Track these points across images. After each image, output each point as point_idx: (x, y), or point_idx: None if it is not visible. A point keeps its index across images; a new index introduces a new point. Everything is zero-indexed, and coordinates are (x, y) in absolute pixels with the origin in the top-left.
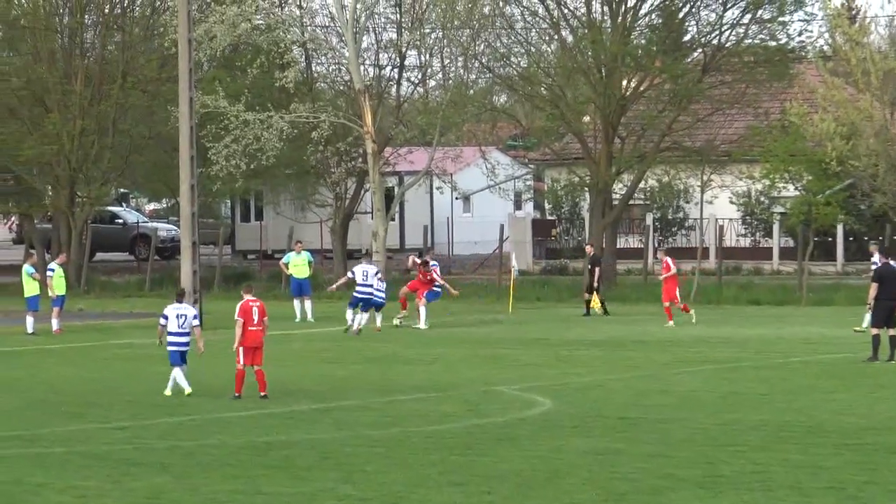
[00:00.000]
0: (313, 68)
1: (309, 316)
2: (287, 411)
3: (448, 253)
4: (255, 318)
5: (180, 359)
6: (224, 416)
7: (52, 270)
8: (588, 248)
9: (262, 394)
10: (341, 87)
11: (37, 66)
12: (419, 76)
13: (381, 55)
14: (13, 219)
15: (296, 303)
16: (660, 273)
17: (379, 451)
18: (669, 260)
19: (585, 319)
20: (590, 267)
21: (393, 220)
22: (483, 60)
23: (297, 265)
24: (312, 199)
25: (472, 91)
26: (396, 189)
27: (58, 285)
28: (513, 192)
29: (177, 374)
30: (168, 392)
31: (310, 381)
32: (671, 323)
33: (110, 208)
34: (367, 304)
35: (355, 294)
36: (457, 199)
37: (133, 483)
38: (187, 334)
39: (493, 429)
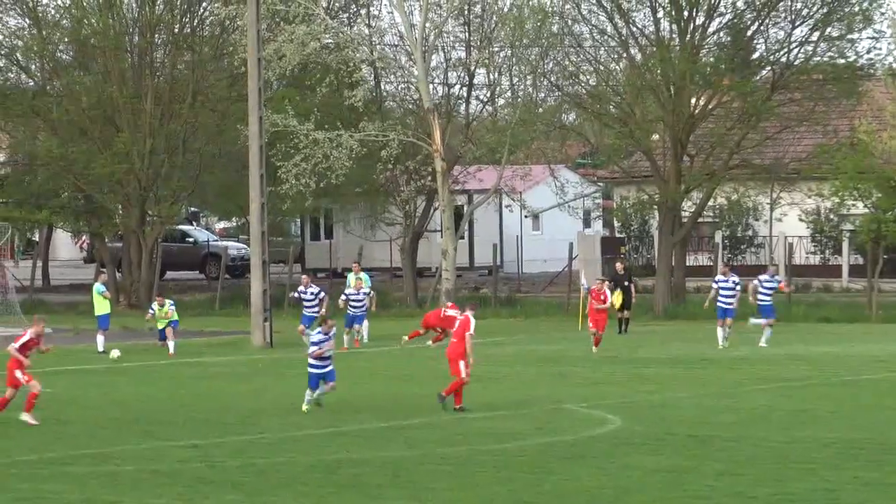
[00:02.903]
0: (382, 87)
1: (365, 338)
2: (357, 429)
3: (517, 271)
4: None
5: (317, 383)
6: (294, 434)
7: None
8: (619, 266)
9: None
10: (410, 106)
11: (107, 86)
12: (488, 94)
13: (450, 74)
14: (84, 238)
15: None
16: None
17: (448, 470)
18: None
19: (624, 337)
20: (626, 284)
21: (462, 238)
22: (552, 78)
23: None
24: (382, 217)
25: (540, 109)
26: (466, 207)
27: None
28: (582, 210)
29: (308, 393)
30: (305, 407)
31: (380, 399)
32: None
33: (181, 227)
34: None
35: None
36: (526, 217)
37: (204, 501)
38: (328, 359)
39: (562, 447)
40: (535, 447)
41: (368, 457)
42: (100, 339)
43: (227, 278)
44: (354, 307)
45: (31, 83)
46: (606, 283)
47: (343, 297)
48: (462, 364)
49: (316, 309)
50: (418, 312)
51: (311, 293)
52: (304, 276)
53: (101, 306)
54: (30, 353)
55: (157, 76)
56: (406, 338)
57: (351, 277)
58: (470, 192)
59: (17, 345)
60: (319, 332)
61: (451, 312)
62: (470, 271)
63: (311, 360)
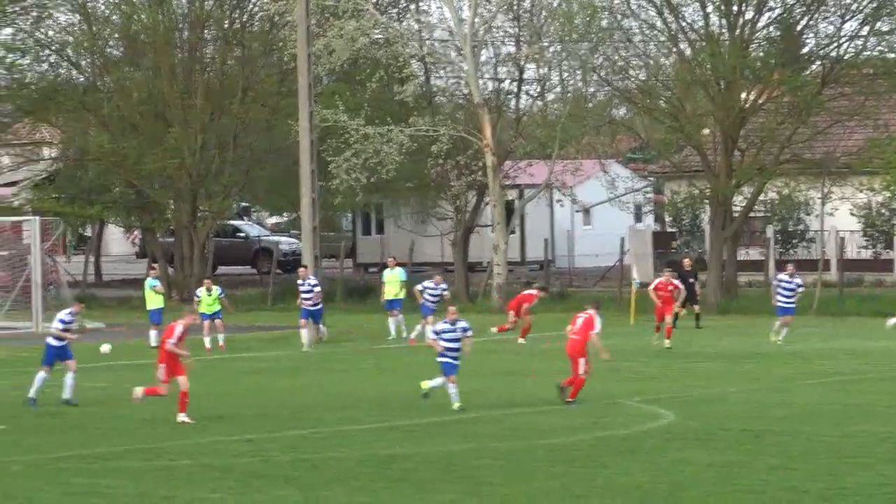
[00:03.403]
0: (432, 82)
1: (404, 332)
2: (411, 424)
3: (569, 266)
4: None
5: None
6: (348, 428)
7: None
8: (686, 262)
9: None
10: (460, 101)
11: (157, 81)
12: (538, 89)
13: (499, 69)
14: (136, 233)
15: (390, 320)
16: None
17: (502, 464)
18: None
19: (700, 331)
20: (692, 280)
21: (513, 233)
22: (601, 73)
23: (390, 282)
24: (433, 212)
25: (590, 104)
26: (517, 202)
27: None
28: (633, 204)
29: (439, 383)
30: (456, 405)
31: (435, 394)
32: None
33: (232, 222)
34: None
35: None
36: (577, 211)
37: (257, 496)
38: (457, 350)
39: (615, 441)
40: (588, 442)
41: (422, 451)
42: (152, 333)
43: (278, 273)
44: (431, 300)
45: (82, 79)
46: (673, 274)
47: (420, 287)
48: (582, 361)
49: (312, 302)
50: (469, 307)
51: (309, 285)
52: (301, 269)
53: (154, 301)
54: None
55: (208, 72)
56: (495, 329)
57: (386, 273)
58: (521, 187)
59: (173, 339)
60: (445, 322)
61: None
62: (521, 266)
63: (441, 353)
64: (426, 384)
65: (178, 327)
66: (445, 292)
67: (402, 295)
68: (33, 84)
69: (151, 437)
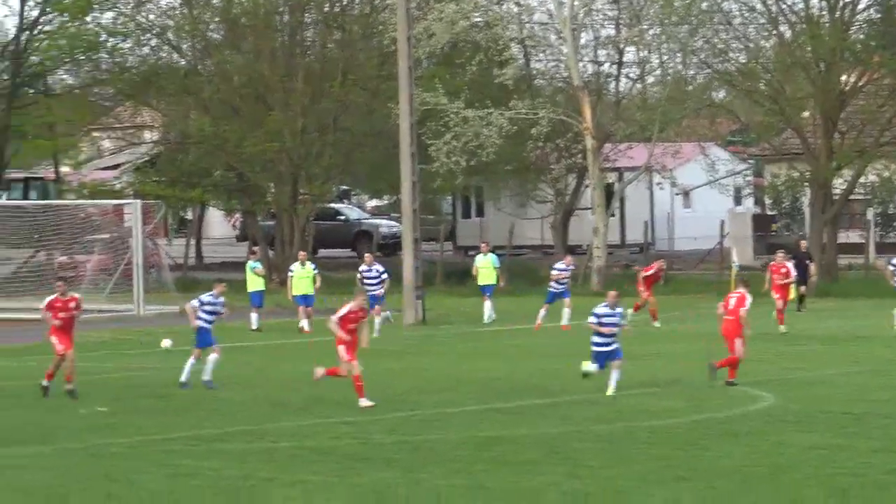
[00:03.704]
0: (532, 65)
1: (485, 317)
2: (512, 406)
3: (668, 248)
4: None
5: (604, 362)
6: (448, 411)
7: (292, 270)
8: (803, 244)
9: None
10: (560, 84)
11: (258, 65)
12: (638, 72)
13: (599, 52)
14: (236, 216)
15: (485, 304)
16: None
17: (603, 446)
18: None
19: (802, 314)
20: (807, 262)
21: (613, 215)
22: (701, 56)
23: (483, 267)
24: (532, 195)
25: (690, 87)
26: (616, 185)
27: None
28: (733, 187)
29: (594, 368)
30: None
31: (536, 377)
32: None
33: (332, 205)
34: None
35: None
36: (677, 194)
37: (358, 478)
38: (613, 336)
39: (715, 424)
40: (688, 424)
41: (522, 433)
42: (253, 316)
43: (378, 256)
44: (561, 284)
45: (183, 62)
46: (787, 256)
47: (554, 271)
48: (738, 342)
49: (378, 289)
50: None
51: (376, 271)
52: (367, 255)
53: (255, 283)
54: (353, 327)
55: (308, 55)
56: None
57: (479, 258)
58: (620, 170)
59: (335, 318)
60: (605, 305)
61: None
62: (621, 248)
63: (594, 338)
64: (586, 365)
65: (344, 308)
66: (386, 276)
67: (494, 280)
68: (135, 68)
69: (253, 419)
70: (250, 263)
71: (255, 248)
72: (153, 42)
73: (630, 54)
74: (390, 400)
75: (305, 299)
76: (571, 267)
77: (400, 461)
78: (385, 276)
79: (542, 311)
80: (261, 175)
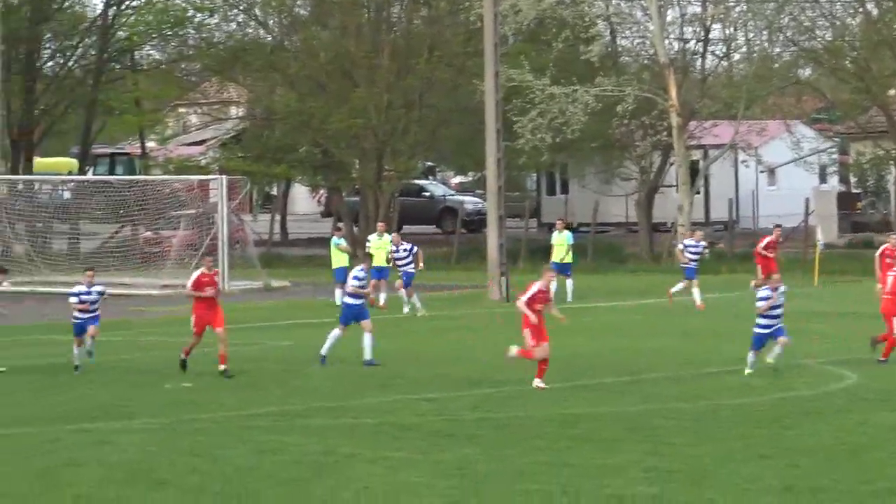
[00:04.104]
0: (618, 42)
1: (569, 296)
2: (594, 383)
3: (753, 226)
4: None
5: (761, 343)
6: (530, 388)
7: (370, 242)
8: None
9: None
10: (646, 61)
11: (344, 41)
12: (724, 50)
13: (685, 29)
14: (321, 192)
15: (567, 282)
16: None
17: (686, 424)
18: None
19: None
20: None
21: (698, 193)
22: (787, 34)
23: (558, 244)
24: (617, 172)
25: (776, 64)
26: (701, 162)
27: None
28: (818, 165)
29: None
30: (748, 371)
31: (620, 354)
32: None
33: (417, 181)
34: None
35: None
36: (761, 172)
37: (441, 454)
38: (777, 318)
39: (799, 402)
40: (772, 402)
41: (605, 411)
42: (338, 292)
43: (463, 232)
44: (693, 257)
45: (270, 38)
46: None
47: (681, 245)
48: None
49: (411, 265)
50: (653, 268)
51: (404, 250)
52: (394, 235)
53: (339, 260)
54: (540, 308)
55: (394, 31)
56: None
57: (554, 236)
58: (705, 147)
59: (524, 298)
60: (766, 288)
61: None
62: (705, 226)
63: (758, 319)
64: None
65: (534, 287)
66: (706, 250)
67: (568, 259)
68: (221, 43)
69: (336, 396)
70: (335, 240)
71: (340, 225)
72: (240, 18)
73: (716, 31)
74: (474, 376)
75: (380, 272)
76: (702, 244)
77: (483, 438)
78: (416, 250)
79: (680, 285)
80: (346, 151)
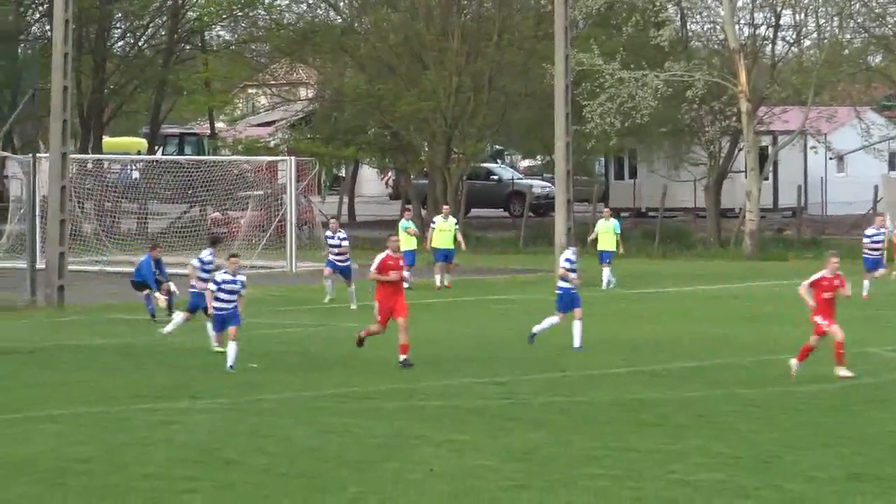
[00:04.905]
0: (688, 27)
1: (604, 283)
2: (660, 369)
3: (821, 213)
4: None
5: None
6: (596, 373)
7: (434, 223)
8: None
9: None
10: (716, 46)
11: (414, 23)
12: (794, 35)
13: (756, 14)
14: (390, 174)
15: (604, 270)
16: None
17: (751, 411)
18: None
19: None
20: None
21: (766, 179)
22: (858, 20)
23: (603, 232)
24: (686, 157)
25: (846, 51)
26: (770, 148)
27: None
28: (887, 152)
29: None
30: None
31: (684, 340)
32: None
33: (485, 165)
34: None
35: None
36: (831, 158)
37: (508, 438)
38: None
39: (865, 390)
40: (837, 390)
41: (671, 396)
42: (405, 275)
43: (530, 216)
44: (873, 249)
45: (340, 20)
46: None
47: (866, 238)
48: None
49: (342, 257)
50: (721, 254)
51: (339, 238)
52: (332, 221)
53: (407, 242)
54: (832, 296)
55: (464, 14)
56: None
57: (600, 223)
58: (775, 133)
59: (807, 283)
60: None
61: None
62: (773, 212)
63: None
64: None
65: (817, 275)
66: (347, 243)
67: (613, 246)
68: (291, 25)
69: (403, 378)
70: (403, 222)
71: (408, 207)
72: (310, 0)
73: (787, 17)
74: (540, 361)
75: (446, 255)
76: (884, 230)
77: (549, 422)
78: (346, 243)
79: (866, 283)
80: (415, 134)
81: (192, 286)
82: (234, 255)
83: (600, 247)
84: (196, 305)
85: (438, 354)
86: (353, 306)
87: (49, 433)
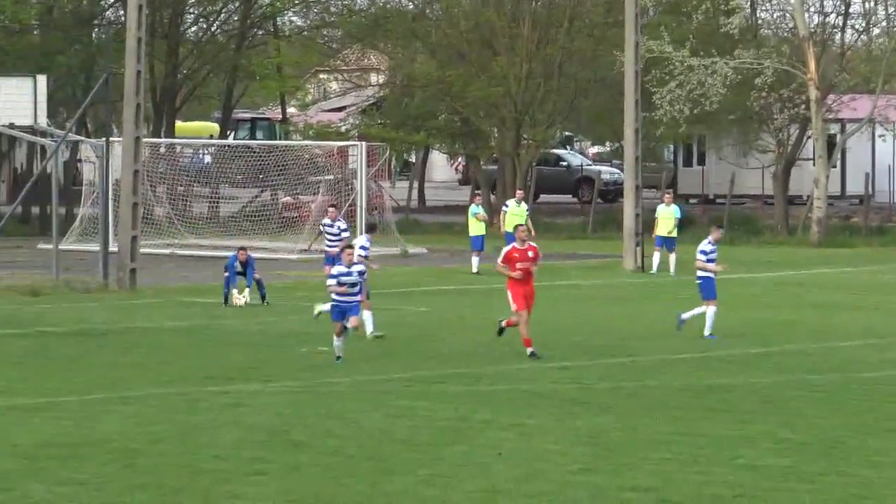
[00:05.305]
0: (758, 14)
1: (672, 270)
2: (727, 355)
3: (889, 201)
4: None
5: None
6: (664, 357)
7: (507, 207)
8: None
9: None
10: (785, 34)
11: (485, 10)
12: (863, 23)
13: (825, 2)
14: (459, 160)
15: (656, 255)
16: None
17: (818, 397)
18: None
19: None
20: None
21: (834, 167)
22: None
23: (663, 218)
24: (754, 144)
25: None
26: (838, 136)
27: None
28: None
29: None
30: None
31: (751, 326)
32: None
33: (555, 151)
34: None
35: None
36: None
37: (575, 422)
38: None
39: None
40: None
41: (738, 382)
42: (474, 260)
43: (599, 202)
44: None
45: (411, 6)
46: None
47: None
48: None
49: (338, 248)
50: (789, 241)
51: (338, 228)
52: (331, 209)
53: (476, 228)
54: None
55: (535, 1)
56: None
57: (660, 209)
58: (843, 121)
59: None
60: None
61: None
62: (841, 200)
63: None
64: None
65: None
66: (348, 234)
67: (675, 233)
68: (363, 11)
69: (471, 363)
70: (472, 208)
71: (478, 193)
72: None
73: (856, 5)
74: (609, 346)
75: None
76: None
77: (617, 407)
78: (346, 234)
79: None
80: (484, 120)
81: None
82: (349, 247)
83: (660, 232)
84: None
85: (506, 339)
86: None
87: (122, 414)
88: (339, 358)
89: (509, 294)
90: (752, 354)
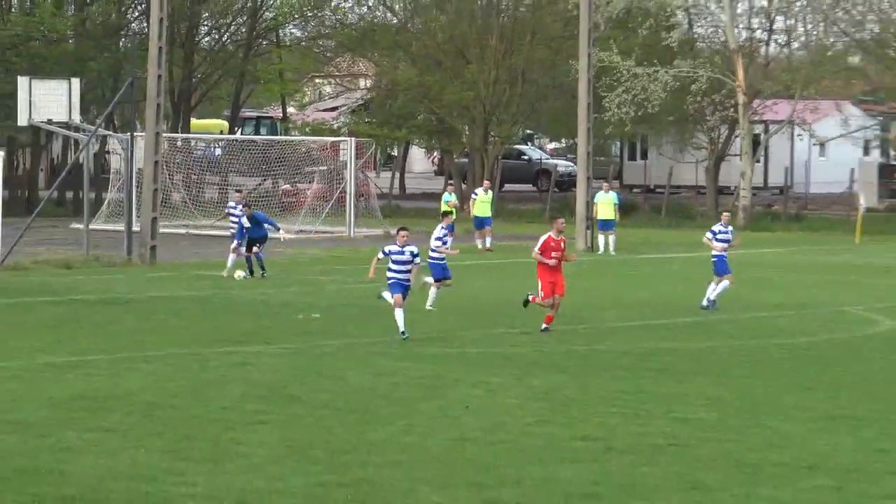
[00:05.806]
0: (694, 30)
1: (611, 249)
2: (668, 323)
3: (805, 191)
4: None
5: None
6: (612, 325)
7: (476, 195)
8: None
9: None
10: (718, 47)
11: (459, 24)
12: (785, 38)
13: (752, 19)
14: (435, 154)
15: (601, 237)
16: None
17: (743, 360)
18: None
19: None
20: None
21: (758, 161)
22: (841, 25)
23: (602, 203)
24: (690, 142)
25: (830, 52)
26: (762, 135)
27: (478, 209)
28: (863, 140)
29: None
30: None
31: (686, 299)
32: None
33: (518, 146)
34: None
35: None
36: (814, 145)
37: (533, 381)
38: None
39: (840, 344)
40: (816, 343)
41: (676, 346)
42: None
43: (555, 191)
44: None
45: (395, 20)
46: None
47: None
48: None
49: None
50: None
51: (241, 210)
52: (236, 193)
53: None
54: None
55: (502, 16)
56: None
57: (599, 195)
58: (766, 122)
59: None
60: None
61: None
62: (764, 190)
63: None
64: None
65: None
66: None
67: (613, 216)
68: (354, 24)
69: (446, 328)
70: (445, 196)
71: (451, 182)
72: (371, 2)
73: (779, 22)
74: (564, 316)
75: (483, 222)
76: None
77: (570, 368)
78: (243, 220)
79: None
80: (457, 119)
81: (431, 258)
82: (403, 229)
83: (600, 216)
84: (437, 277)
85: (478, 308)
86: (225, 273)
87: (143, 372)
88: (403, 333)
89: (539, 281)
90: (688, 323)
